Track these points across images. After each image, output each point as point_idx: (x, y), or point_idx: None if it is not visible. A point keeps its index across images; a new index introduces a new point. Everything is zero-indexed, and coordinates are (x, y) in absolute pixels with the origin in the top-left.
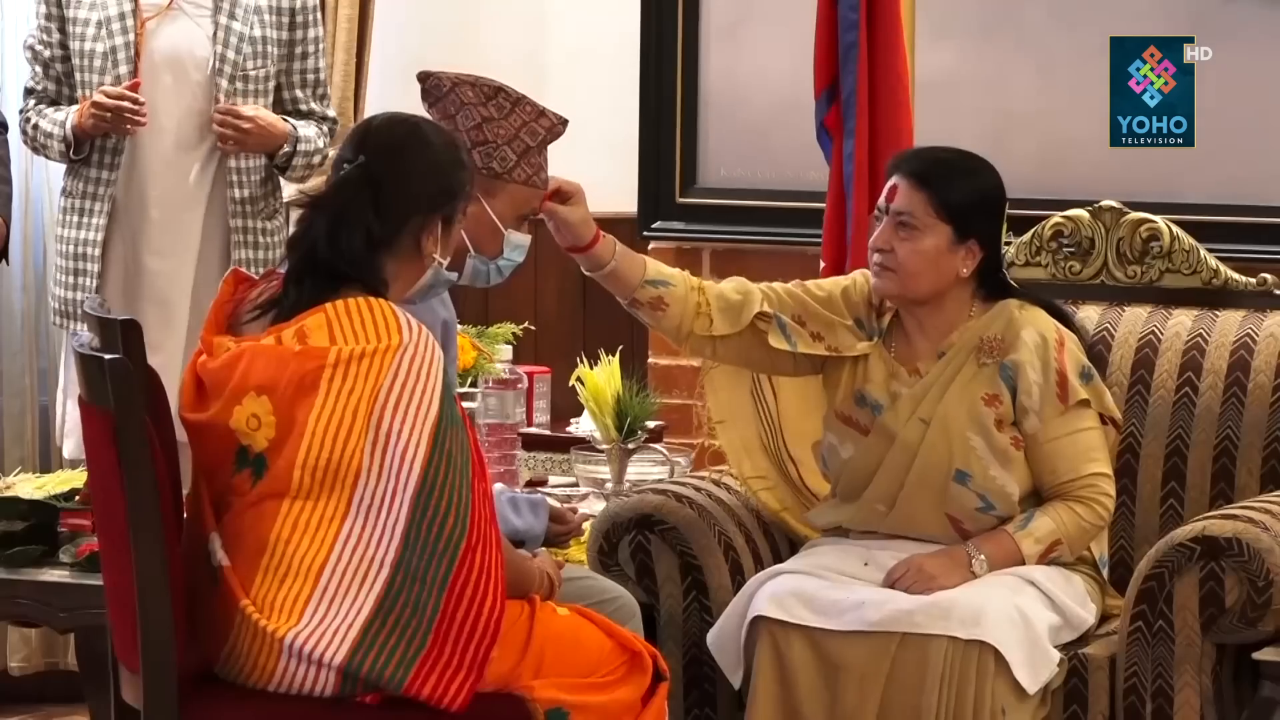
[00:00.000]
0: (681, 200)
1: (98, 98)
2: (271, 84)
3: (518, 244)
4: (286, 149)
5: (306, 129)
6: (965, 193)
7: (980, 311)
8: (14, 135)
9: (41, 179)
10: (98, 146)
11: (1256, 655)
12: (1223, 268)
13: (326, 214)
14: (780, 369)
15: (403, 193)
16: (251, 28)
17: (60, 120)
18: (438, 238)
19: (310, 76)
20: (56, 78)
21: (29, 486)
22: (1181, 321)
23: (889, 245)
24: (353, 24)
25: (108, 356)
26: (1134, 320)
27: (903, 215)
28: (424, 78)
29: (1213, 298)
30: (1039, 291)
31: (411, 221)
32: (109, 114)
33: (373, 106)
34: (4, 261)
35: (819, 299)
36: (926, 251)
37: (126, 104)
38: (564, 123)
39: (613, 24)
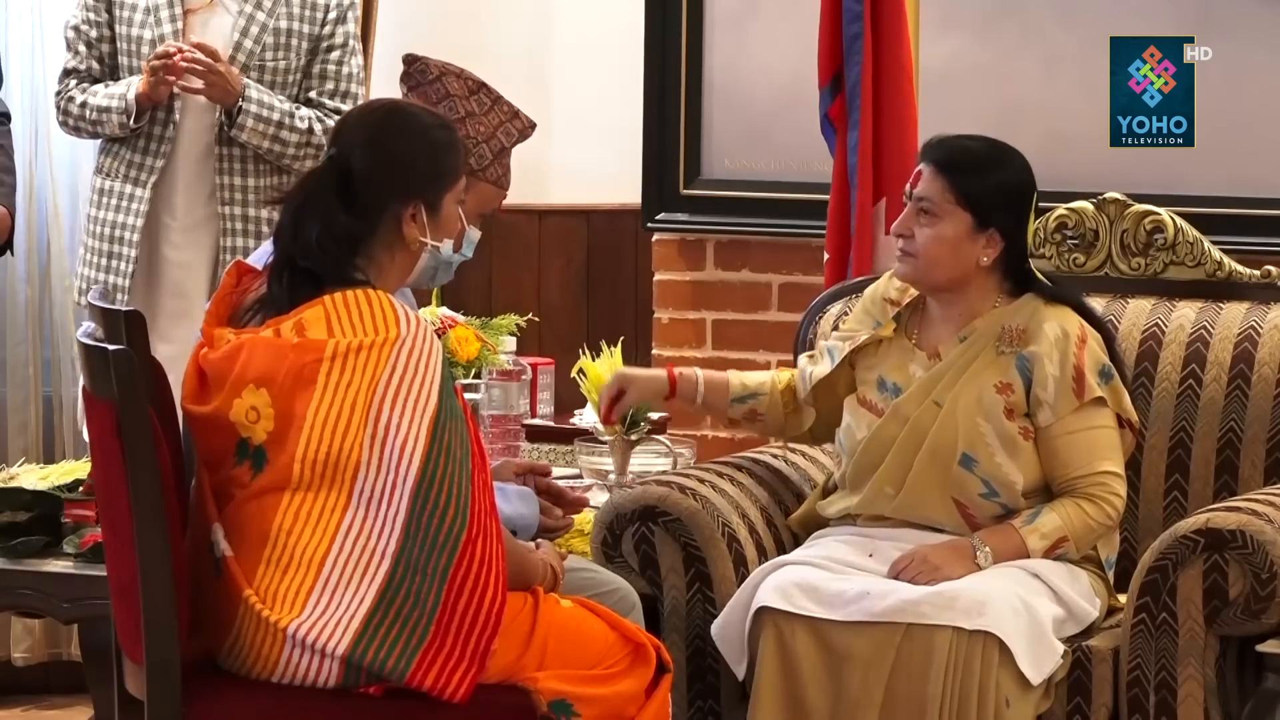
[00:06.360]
0: (685, 192)
1: (154, 62)
2: (294, 78)
3: (472, 240)
4: (240, 103)
5: (282, 103)
6: (987, 182)
7: (1005, 302)
8: (19, 125)
9: (45, 169)
10: (144, 133)
11: (1260, 647)
12: (1226, 260)
13: (290, 208)
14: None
15: (372, 182)
16: (278, 19)
17: (120, 92)
18: (423, 223)
19: (331, 69)
20: (100, 58)
21: (33, 477)
22: (1185, 314)
23: (909, 230)
24: (357, 15)
25: (111, 347)
26: (1138, 313)
27: (923, 201)
28: (410, 61)
29: (1216, 290)
30: (1066, 285)
31: (389, 209)
32: (159, 70)
33: (375, 98)
34: (9, 252)
35: (850, 329)
36: (945, 238)
37: (174, 59)
38: (533, 126)
39: (617, 15)
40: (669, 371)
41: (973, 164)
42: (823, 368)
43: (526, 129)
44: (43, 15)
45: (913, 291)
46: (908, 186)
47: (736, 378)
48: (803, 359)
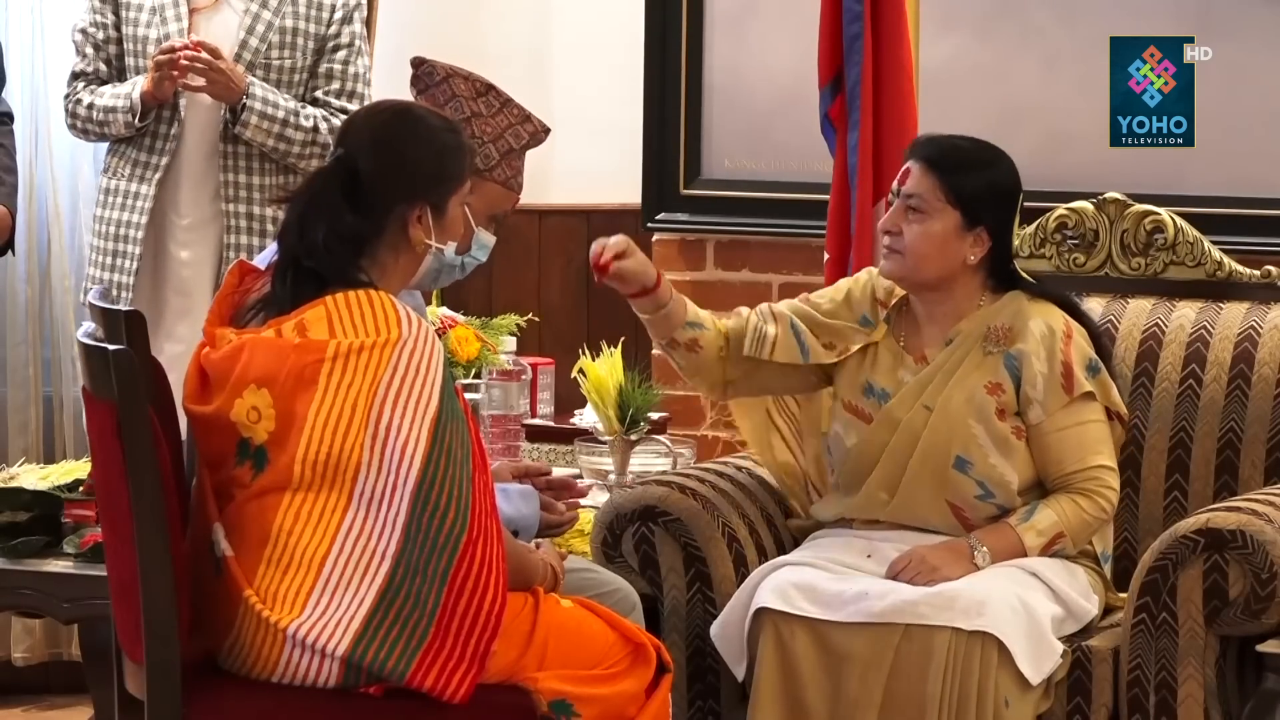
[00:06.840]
0: (685, 192)
1: (159, 57)
2: (300, 77)
3: (484, 243)
4: (244, 100)
5: (287, 101)
6: (976, 181)
7: (990, 301)
8: (19, 125)
9: (45, 169)
10: (149, 131)
11: (1260, 647)
12: (1226, 260)
13: (296, 208)
14: (793, 387)
15: (379, 183)
16: (283, 19)
17: (125, 92)
18: (429, 225)
19: (337, 69)
20: (107, 59)
21: (33, 477)
22: (1185, 314)
23: (897, 227)
24: (364, 15)
25: (111, 347)
26: (1138, 312)
27: (912, 199)
28: (418, 63)
29: (1217, 290)
30: (1049, 284)
31: (395, 210)
32: (164, 66)
33: (378, 98)
34: (10, 252)
35: (825, 310)
36: (933, 235)
37: (178, 55)
38: (547, 131)
39: (617, 15)
40: (658, 271)
41: (963, 162)
42: (788, 344)
43: (539, 133)
44: (43, 15)
45: (898, 292)
46: (895, 184)
47: (692, 305)
48: (750, 314)
